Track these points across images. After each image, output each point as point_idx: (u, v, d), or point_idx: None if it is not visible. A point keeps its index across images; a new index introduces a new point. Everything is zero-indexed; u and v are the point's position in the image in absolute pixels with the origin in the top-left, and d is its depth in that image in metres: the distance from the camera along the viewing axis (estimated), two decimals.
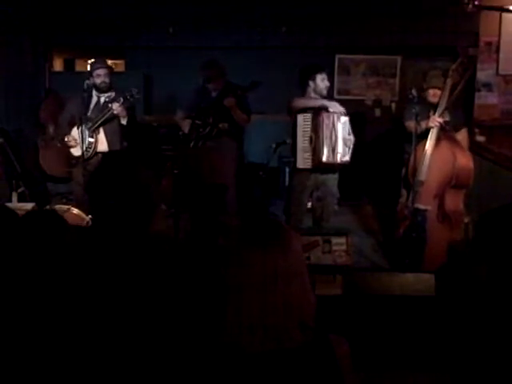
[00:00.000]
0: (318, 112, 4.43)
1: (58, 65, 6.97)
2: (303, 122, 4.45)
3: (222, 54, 6.17)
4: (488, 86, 5.98)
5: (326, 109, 4.44)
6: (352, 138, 4.44)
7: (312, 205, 4.67)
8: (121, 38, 6.15)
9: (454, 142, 4.23)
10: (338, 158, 4.38)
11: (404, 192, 4.66)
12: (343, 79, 6.74)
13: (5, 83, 5.82)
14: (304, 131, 4.44)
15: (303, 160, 4.45)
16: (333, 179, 4.60)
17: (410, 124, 4.36)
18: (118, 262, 1.64)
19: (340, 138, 4.37)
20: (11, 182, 4.95)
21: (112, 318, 1.59)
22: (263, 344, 1.30)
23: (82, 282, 1.65)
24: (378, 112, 6.79)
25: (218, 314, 1.34)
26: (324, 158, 4.36)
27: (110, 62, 7.07)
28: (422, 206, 4.22)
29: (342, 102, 6.74)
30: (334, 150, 4.36)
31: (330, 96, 6.57)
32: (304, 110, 4.46)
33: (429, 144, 4.18)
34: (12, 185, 4.89)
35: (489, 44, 5.90)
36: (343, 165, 4.47)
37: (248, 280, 1.32)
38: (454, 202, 4.20)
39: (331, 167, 4.48)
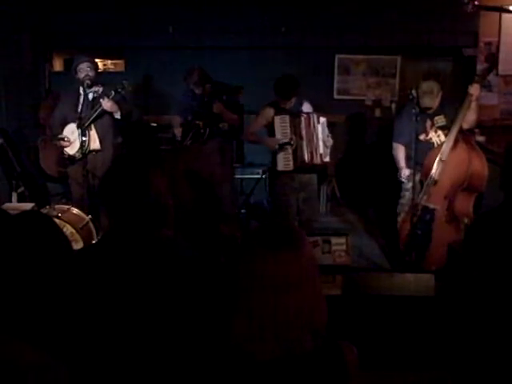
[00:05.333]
0: (295, 113, 4.45)
1: (58, 65, 6.94)
2: (281, 123, 4.42)
3: (221, 54, 6.19)
4: (488, 87, 5.97)
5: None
6: (330, 139, 4.50)
7: (298, 207, 4.58)
8: (121, 38, 6.14)
9: (472, 145, 4.26)
10: (320, 159, 4.44)
11: (404, 192, 4.67)
12: (343, 79, 6.73)
13: (5, 83, 5.81)
14: (283, 133, 4.41)
15: (283, 163, 4.44)
16: (315, 178, 4.64)
17: (398, 148, 4.61)
18: (123, 262, 1.63)
19: (320, 139, 4.43)
20: (11, 182, 4.94)
21: (116, 320, 1.58)
22: (274, 350, 1.28)
23: (84, 282, 1.64)
24: (378, 112, 6.79)
25: (229, 319, 1.31)
26: (307, 160, 4.40)
27: (109, 61, 7.10)
28: (431, 205, 4.25)
29: (341, 102, 6.79)
30: (316, 150, 4.42)
31: (330, 96, 6.65)
32: (280, 112, 4.45)
33: (446, 144, 4.21)
34: (12, 185, 4.89)
35: (489, 44, 5.90)
36: (324, 165, 4.58)
37: (260, 285, 1.29)
38: (464, 204, 4.23)
39: (312, 168, 4.51)
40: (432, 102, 4.40)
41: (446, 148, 4.21)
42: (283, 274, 1.28)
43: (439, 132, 4.42)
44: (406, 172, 4.51)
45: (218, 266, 1.50)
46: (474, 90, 4.18)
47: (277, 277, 1.28)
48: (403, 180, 4.53)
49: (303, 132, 4.40)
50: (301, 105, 4.57)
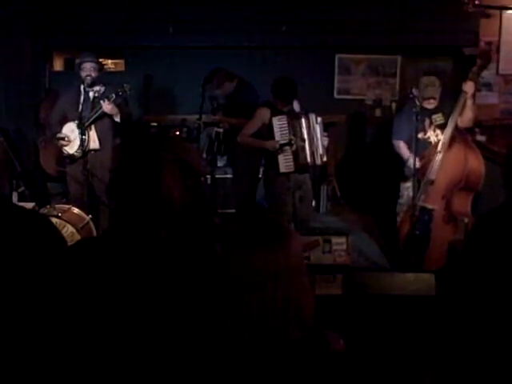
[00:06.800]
0: (294, 114, 4.45)
1: (58, 65, 6.95)
2: (279, 124, 4.40)
3: (221, 54, 6.19)
4: (488, 86, 5.98)
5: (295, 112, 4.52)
6: (326, 138, 4.53)
7: (294, 206, 4.58)
8: (121, 38, 6.14)
9: (468, 144, 4.25)
10: (320, 160, 4.48)
11: (403, 192, 4.67)
12: (343, 79, 6.73)
13: (5, 83, 5.81)
14: (282, 134, 4.39)
15: (285, 165, 4.43)
16: (308, 177, 4.67)
17: (400, 144, 4.55)
18: (121, 258, 1.63)
19: (319, 140, 4.45)
20: (11, 182, 4.94)
21: (110, 317, 1.58)
22: (261, 342, 1.30)
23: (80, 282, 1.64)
24: (378, 112, 6.79)
25: (218, 312, 1.34)
26: (309, 162, 4.43)
27: (110, 61, 7.10)
28: (429, 205, 4.24)
29: (342, 102, 6.78)
30: (316, 151, 4.45)
31: (330, 96, 6.65)
32: (277, 113, 4.43)
33: (442, 144, 4.20)
34: (12, 185, 4.89)
35: (489, 44, 5.90)
36: (322, 165, 4.67)
37: (248, 279, 1.31)
38: (462, 204, 4.22)
39: (312, 168, 4.58)
40: (435, 93, 4.37)
41: (441, 147, 4.20)
42: (271, 267, 1.31)
43: (438, 131, 4.40)
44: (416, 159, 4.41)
45: (213, 259, 1.50)
46: (468, 87, 4.15)
47: (265, 270, 1.31)
48: (418, 166, 4.42)
49: (304, 133, 4.39)
50: (291, 104, 4.56)
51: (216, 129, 5.34)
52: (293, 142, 4.38)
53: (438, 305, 2.89)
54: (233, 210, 5.61)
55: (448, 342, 2.58)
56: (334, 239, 3.25)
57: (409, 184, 4.46)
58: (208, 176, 5.24)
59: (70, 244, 1.88)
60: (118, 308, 1.57)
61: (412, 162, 4.37)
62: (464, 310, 2.31)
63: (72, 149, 4.64)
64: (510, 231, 2.10)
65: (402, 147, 4.56)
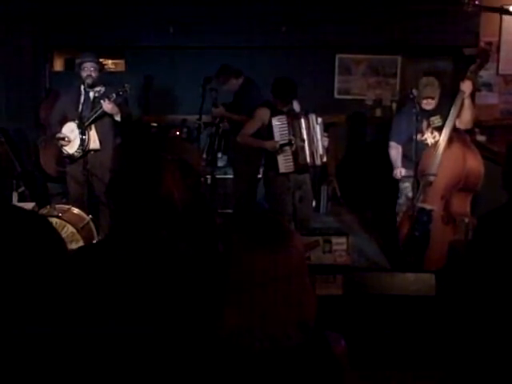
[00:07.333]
0: (294, 114, 4.44)
1: (58, 65, 6.95)
2: (279, 124, 4.39)
3: (222, 54, 6.19)
4: (488, 86, 5.98)
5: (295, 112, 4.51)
6: (326, 138, 4.52)
7: (294, 206, 4.56)
8: (121, 38, 6.15)
9: (467, 144, 4.24)
10: (320, 160, 4.48)
11: (402, 192, 4.66)
12: (344, 79, 6.74)
13: (5, 83, 5.82)
14: (282, 134, 4.38)
15: (285, 165, 4.41)
16: (308, 177, 4.67)
17: (393, 151, 4.57)
18: (124, 261, 1.63)
19: (319, 140, 4.44)
20: (11, 182, 4.94)
21: (113, 317, 1.58)
22: (262, 343, 1.30)
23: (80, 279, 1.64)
24: (378, 112, 6.79)
25: (218, 312, 1.33)
26: (309, 162, 4.43)
27: (110, 61, 7.10)
28: (428, 206, 4.22)
29: (342, 102, 6.79)
30: (316, 152, 4.44)
31: (330, 96, 6.66)
32: (276, 113, 4.42)
33: (440, 144, 4.19)
34: (12, 185, 4.89)
35: (489, 44, 5.90)
36: (322, 165, 4.69)
37: (249, 279, 1.31)
38: (461, 204, 4.20)
39: (312, 168, 4.58)
40: (433, 92, 4.32)
41: (440, 147, 4.19)
42: (272, 268, 1.30)
43: (435, 133, 4.36)
44: (402, 171, 4.48)
45: (214, 258, 1.50)
46: (466, 86, 4.13)
47: (265, 271, 1.30)
48: (398, 178, 4.51)
49: (304, 134, 4.39)
50: (291, 104, 4.55)
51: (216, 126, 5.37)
52: (292, 142, 4.37)
53: (437, 305, 2.89)
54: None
55: (448, 341, 2.58)
56: (335, 239, 3.25)
57: (407, 184, 4.46)
58: (208, 176, 5.24)
59: (69, 245, 1.89)
60: (120, 308, 1.57)
61: (400, 171, 4.47)
62: (464, 310, 2.31)
63: (72, 149, 4.64)
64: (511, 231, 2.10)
65: (396, 151, 4.57)
